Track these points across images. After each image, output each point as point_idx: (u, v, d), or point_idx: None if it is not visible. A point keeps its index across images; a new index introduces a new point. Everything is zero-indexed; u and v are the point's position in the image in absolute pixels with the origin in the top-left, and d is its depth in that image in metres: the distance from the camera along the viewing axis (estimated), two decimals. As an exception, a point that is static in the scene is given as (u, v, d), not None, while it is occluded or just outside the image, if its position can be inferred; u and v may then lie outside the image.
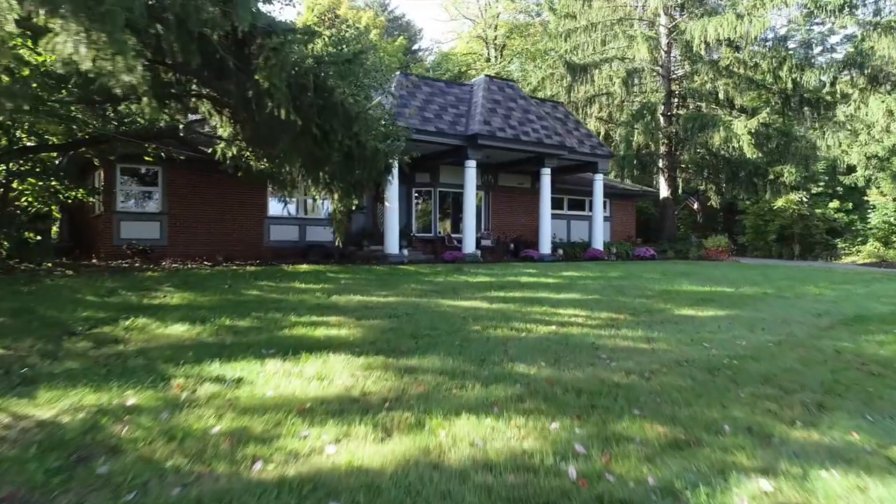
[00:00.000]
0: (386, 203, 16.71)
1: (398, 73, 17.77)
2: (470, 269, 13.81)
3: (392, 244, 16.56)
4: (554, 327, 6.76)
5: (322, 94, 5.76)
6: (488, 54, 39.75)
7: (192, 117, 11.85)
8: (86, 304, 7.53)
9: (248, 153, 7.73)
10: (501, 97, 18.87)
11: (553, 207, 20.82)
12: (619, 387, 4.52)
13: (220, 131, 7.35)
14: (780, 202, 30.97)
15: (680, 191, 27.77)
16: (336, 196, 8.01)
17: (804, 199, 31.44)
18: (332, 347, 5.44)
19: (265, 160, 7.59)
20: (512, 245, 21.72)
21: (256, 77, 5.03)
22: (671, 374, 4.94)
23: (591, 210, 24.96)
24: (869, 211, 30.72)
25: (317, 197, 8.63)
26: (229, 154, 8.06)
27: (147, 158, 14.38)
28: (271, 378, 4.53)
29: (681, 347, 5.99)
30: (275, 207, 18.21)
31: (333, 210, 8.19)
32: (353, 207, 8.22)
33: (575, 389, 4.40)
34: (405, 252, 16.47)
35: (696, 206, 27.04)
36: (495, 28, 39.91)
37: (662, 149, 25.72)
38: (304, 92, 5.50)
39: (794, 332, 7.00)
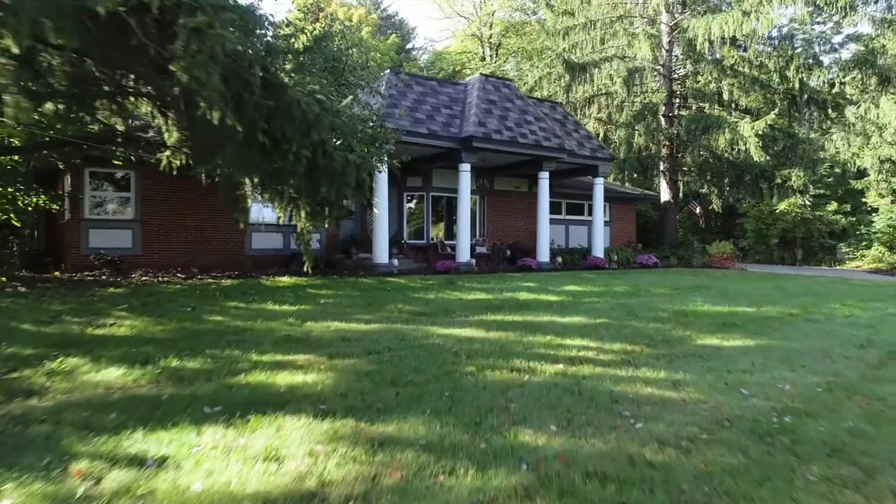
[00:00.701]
0: (374, 210, 15.69)
1: (388, 71, 16.78)
2: (464, 283, 12.81)
3: (381, 253, 15.54)
4: (562, 366, 5.77)
5: (273, 93, 4.64)
6: (483, 53, 38.77)
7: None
8: (17, 335, 6.48)
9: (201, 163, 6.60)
10: (497, 97, 17.89)
11: (551, 212, 19.83)
12: (654, 468, 3.52)
13: (165, 136, 6.24)
14: (782, 205, 30.12)
15: (681, 194, 26.83)
16: (303, 214, 6.87)
17: (807, 203, 30.62)
18: (293, 403, 4.41)
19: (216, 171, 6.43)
20: (508, 252, 20.77)
21: (172, 67, 3.93)
22: (714, 443, 3.94)
23: (590, 215, 24.03)
24: (871, 214, 29.94)
25: (281, 215, 7.45)
26: (176, 163, 6.91)
27: (116, 162, 13.34)
28: (206, 457, 3.50)
29: (715, 395, 5.00)
30: (257, 214, 17.15)
31: (300, 230, 6.96)
32: (325, 225, 7.02)
33: (598, 474, 3.40)
34: (395, 262, 15.47)
35: (698, 210, 26.13)
36: (490, 26, 38.90)
37: (664, 151, 24.79)
38: (248, 89, 4.41)
39: (840, 370, 6.01)
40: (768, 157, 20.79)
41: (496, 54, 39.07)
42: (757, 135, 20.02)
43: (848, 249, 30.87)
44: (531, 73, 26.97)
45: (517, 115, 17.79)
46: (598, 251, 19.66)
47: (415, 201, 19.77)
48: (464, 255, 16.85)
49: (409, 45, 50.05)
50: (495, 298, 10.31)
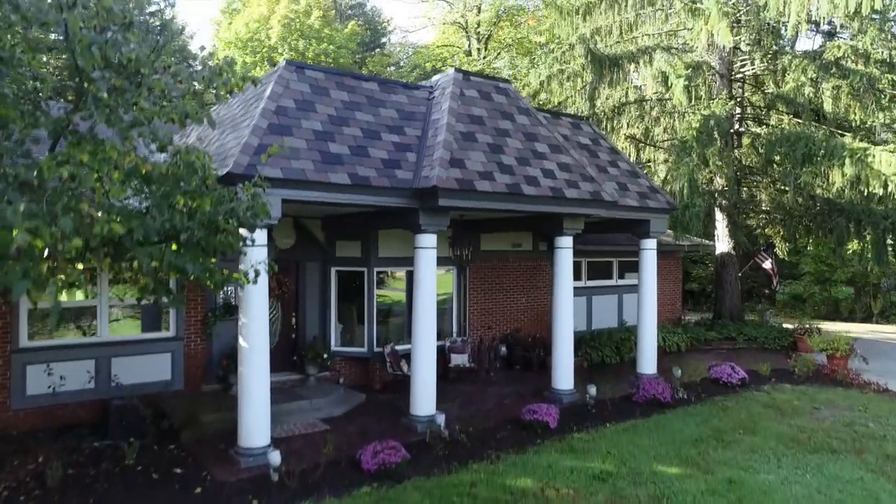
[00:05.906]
0: (240, 317, 7.82)
1: (283, 62, 9.03)
2: None
3: (252, 417, 7.65)
4: None
5: None
6: (469, 46, 31.05)
7: None
8: None
9: None
10: (485, 110, 10.15)
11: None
12: None
13: None
14: (854, 244, 22.82)
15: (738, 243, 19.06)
16: None
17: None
18: None
19: None
20: (503, 349, 13.32)
21: None
22: None
23: (621, 277, 16.52)
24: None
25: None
26: None
27: None
28: None
29: None
30: (38, 325, 9.30)
31: None
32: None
33: None
34: (274, 457, 7.40)
35: (767, 264, 18.54)
36: (478, 11, 31.16)
37: (723, 183, 17.15)
38: None
39: None
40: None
41: (485, 48, 31.30)
42: (905, 171, 12.47)
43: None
44: (534, 73, 19.19)
45: (520, 142, 10.07)
46: (649, 363, 11.98)
47: (349, 282, 12.00)
48: (425, 400, 9.11)
49: (383, 40, 42.31)
50: None
